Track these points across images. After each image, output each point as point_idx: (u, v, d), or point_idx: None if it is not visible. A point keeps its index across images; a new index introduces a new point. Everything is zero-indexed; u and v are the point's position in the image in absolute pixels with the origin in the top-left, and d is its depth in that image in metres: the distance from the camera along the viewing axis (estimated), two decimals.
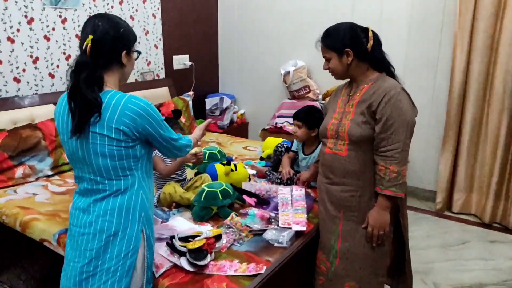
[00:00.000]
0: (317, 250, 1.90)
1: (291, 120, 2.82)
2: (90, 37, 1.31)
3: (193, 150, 2.23)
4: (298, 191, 2.24)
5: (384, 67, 1.73)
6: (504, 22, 2.99)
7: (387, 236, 1.73)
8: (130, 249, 1.35)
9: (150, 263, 1.46)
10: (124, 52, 1.38)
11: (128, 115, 1.30)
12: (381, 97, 1.62)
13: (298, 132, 2.37)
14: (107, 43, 1.33)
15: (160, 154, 2.26)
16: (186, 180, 2.37)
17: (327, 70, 1.79)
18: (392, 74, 1.74)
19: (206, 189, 2.08)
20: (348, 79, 1.83)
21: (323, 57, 1.77)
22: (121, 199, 1.36)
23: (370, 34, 1.68)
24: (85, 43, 1.31)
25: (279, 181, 2.47)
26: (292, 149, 2.54)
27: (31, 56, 2.89)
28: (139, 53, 1.48)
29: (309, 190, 2.44)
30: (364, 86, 1.71)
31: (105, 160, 1.32)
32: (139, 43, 3.67)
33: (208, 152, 2.80)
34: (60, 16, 3.01)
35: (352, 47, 1.68)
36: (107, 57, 1.35)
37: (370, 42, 1.67)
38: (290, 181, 2.39)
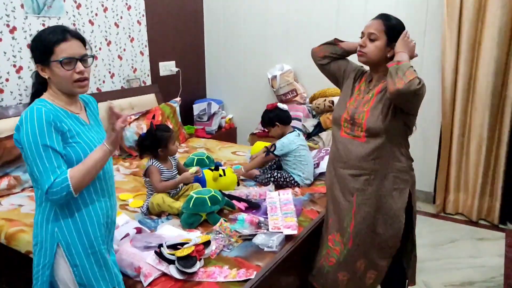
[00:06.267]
0: (329, 232, 1.91)
1: None
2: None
3: (193, 169, 2.28)
4: (285, 195, 2.25)
5: None
6: (485, 23, 3.04)
7: (398, 219, 1.75)
8: (46, 261, 1.38)
9: (87, 282, 1.40)
10: (37, 66, 1.35)
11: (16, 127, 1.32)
12: None
13: (271, 133, 2.73)
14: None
15: (157, 164, 2.23)
16: (178, 189, 2.35)
17: (361, 46, 1.72)
18: None
19: (195, 195, 2.07)
20: (362, 68, 1.85)
21: (369, 33, 1.69)
22: (38, 211, 1.40)
23: None
24: None
25: (266, 180, 2.58)
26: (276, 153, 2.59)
27: (14, 66, 2.85)
28: (60, 61, 1.32)
29: (297, 190, 2.46)
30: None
31: (26, 167, 1.37)
32: (124, 50, 3.65)
33: (196, 158, 2.79)
34: (44, 25, 2.98)
35: None
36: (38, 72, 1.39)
37: None
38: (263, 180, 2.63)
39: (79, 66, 1.35)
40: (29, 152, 1.27)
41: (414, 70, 1.55)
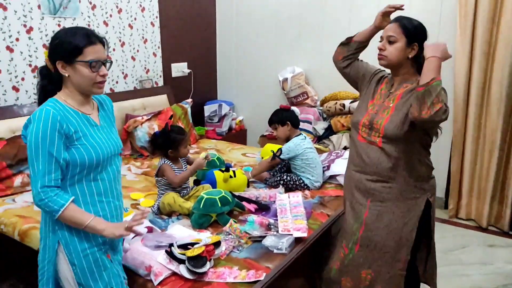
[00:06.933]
0: (340, 235, 1.92)
1: None
2: (46, 51, 1.42)
3: (203, 155, 2.33)
4: (295, 198, 2.25)
5: None
6: (500, 27, 3.01)
7: (409, 231, 1.73)
8: (49, 258, 1.42)
9: (84, 282, 1.41)
10: (59, 63, 1.37)
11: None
12: None
13: (277, 133, 2.70)
14: (49, 56, 1.40)
15: (168, 161, 2.26)
16: (188, 189, 2.37)
17: (381, 50, 1.71)
18: None
19: (205, 196, 2.08)
20: (383, 72, 1.84)
21: (388, 36, 1.68)
22: None
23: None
24: None
25: (276, 183, 2.57)
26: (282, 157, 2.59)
27: (30, 65, 2.90)
28: (89, 63, 1.36)
29: (307, 193, 2.46)
30: (408, 85, 1.70)
31: None
32: (138, 51, 3.69)
33: None
34: (59, 25, 3.03)
35: (419, 45, 1.67)
36: (54, 68, 1.40)
37: None
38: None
39: (103, 69, 1.41)
40: (28, 151, 1.32)
41: (444, 91, 1.50)
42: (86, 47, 1.36)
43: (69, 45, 1.35)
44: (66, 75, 1.39)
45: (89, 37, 1.38)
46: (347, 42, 1.91)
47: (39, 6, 2.88)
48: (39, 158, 1.31)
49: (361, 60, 1.94)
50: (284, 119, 2.65)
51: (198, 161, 2.29)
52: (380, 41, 1.73)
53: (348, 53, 1.90)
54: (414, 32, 1.67)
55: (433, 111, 1.46)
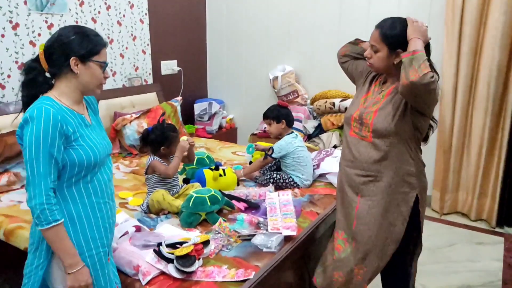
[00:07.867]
0: (336, 229, 1.91)
1: None
2: (43, 44, 1.37)
3: (184, 138, 2.32)
4: (285, 196, 2.25)
5: None
6: (487, 27, 3.05)
7: (399, 225, 1.73)
8: (40, 262, 1.37)
9: None
10: (74, 59, 1.33)
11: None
12: None
13: (270, 129, 2.67)
14: (55, 50, 1.34)
15: (157, 158, 2.24)
16: (178, 188, 2.35)
17: (368, 58, 1.72)
18: None
19: (195, 195, 2.07)
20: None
21: (371, 45, 1.69)
22: None
23: None
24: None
25: (266, 182, 2.56)
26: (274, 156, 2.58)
27: (16, 62, 2.85)
28: (103, 64, 1.40)
29: (297, 191, 2.46)
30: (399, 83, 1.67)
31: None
32: (126, 48, 3.66)
33: (196, 157, 2.79)
34: (46, 22, 2.98)
35: (404, 50, 1.60)
36: (55, 64, 1.35)
37: None
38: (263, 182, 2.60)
39: (107, 72, 1.46)
40: (27, 152, 1.26)
41: (430, 64, 1.51)
42: (102, 48, 1.40)
43: (91, 43, 1.36)
44: (77, 72, 1.35)
45: (104, 39, 1.43)
46: (355, 43, 1.93)
47: (25, 2, 2.83)
48: (40, 159, 1.26)
49: (364, 58, 1.91)
50: (280, 116, 2.63)
51: (181, 145, 2.27)
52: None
53: (351, 53, 1.92)
54: (395, 40, 1.63)
55: (421, 73, 1.45)
